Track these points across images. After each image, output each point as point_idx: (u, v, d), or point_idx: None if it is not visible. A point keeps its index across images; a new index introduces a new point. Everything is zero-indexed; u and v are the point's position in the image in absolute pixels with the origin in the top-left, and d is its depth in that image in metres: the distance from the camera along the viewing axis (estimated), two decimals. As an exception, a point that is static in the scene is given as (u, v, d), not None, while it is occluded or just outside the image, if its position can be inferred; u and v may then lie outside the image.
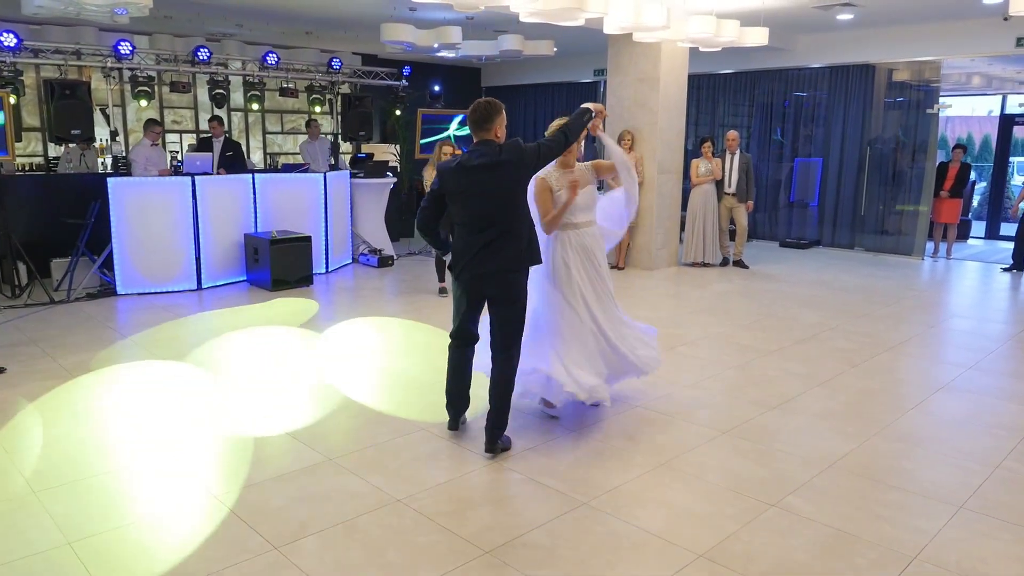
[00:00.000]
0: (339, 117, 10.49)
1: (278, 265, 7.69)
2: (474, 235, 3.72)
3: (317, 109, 10.18)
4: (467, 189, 3.71)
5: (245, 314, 6.78)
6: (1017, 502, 3.40)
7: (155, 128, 8.40)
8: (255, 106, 9.73)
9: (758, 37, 8.09)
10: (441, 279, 7.77)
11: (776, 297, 7.76)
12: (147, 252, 7.41)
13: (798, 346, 5.92)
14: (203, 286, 7.72)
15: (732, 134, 9.40)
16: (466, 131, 9.74)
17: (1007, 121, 12.36)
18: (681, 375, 5.16)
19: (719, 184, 9.42)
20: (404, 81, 10.40)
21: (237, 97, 10.54)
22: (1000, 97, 12.75)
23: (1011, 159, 12.94)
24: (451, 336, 4.05)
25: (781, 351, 5.78)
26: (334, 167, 8.88)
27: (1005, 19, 8.93)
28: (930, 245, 10.62)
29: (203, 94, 10.97)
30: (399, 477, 3.58)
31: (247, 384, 4.90)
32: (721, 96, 12.35)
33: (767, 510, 3.30)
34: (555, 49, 10.21)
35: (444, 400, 4.13)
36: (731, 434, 4.15)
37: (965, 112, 16.94)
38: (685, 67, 9.29)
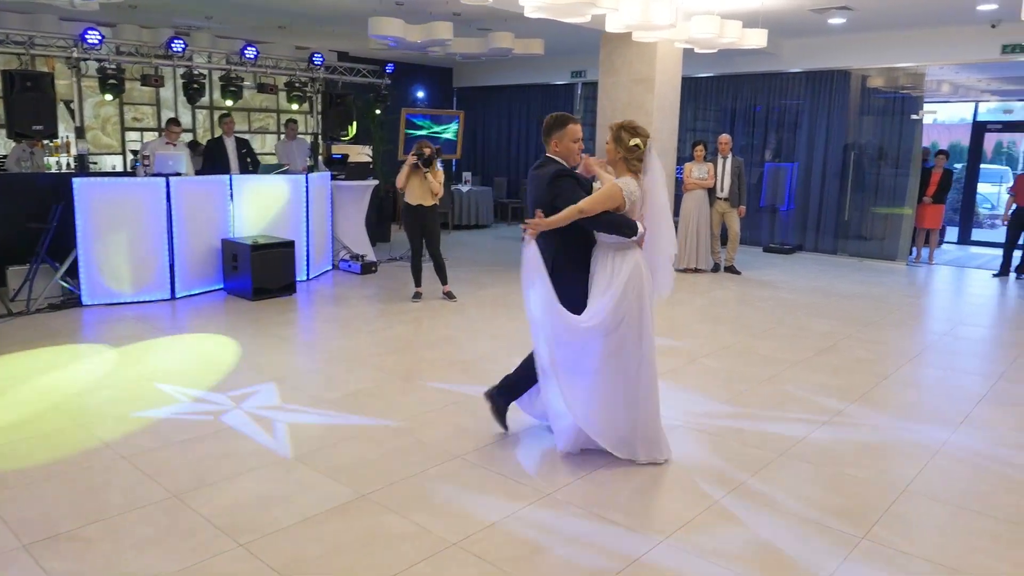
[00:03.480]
0: (319, 116, 9.98)
1: (260, 272, 7.17)
2: None
3: (295, 107, 9.65)
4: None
5: (232, 325, 6.27)
6: (1110, 527, 3.21)
7: (174, 128, 7.87)
8: (230, 102, 9.15)
9: (758, 39, 7.94)
10: (417, 284, 7.41)
11: (778, 304, 7.59)
12: (116, 259, 6.81)
13: (821, 357, 5.71)
14: (177, 295, 7.15)
15: (724, 137, 9.23)
16: (442, 130, 9.35)
17: (979, 128, 12.54)
18: (713, 389, 4.89)
19: (711, 189, 9.24)
20: (387, 79, 9.96)
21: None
22: (972, 104, 12.94)
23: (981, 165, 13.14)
24: None
25: (806, 362, 5.56)
26: (313, 168, 8.40)
27: (993, 26, 9.00)
28: (912, 250, 10.65)
29: (167, 91, 10.33)
30: (446, 515, 3.20)
31: (250, 415, 4.43)
32: (703, 100, 12.21)
33: (859, 543, 3.03)
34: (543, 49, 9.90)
35: (472, 423, 3.78)
36: (790, 455, 3.88)
37: (938, 118, 17.24)
38: (679, 68, 9.10)
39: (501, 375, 5.03)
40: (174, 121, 8.05)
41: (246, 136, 10.28)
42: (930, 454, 3.94)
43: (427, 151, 7.12)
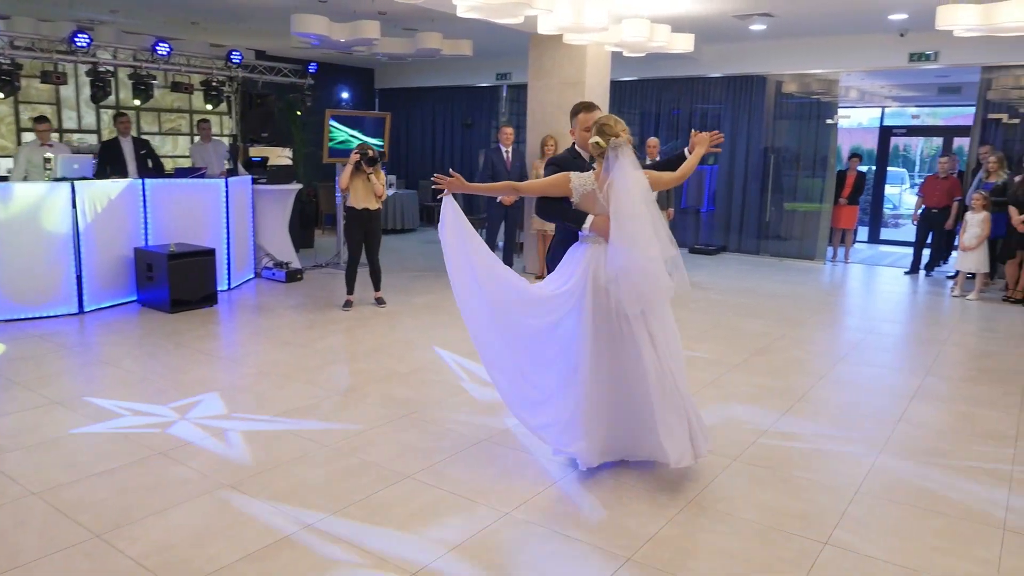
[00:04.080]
0: (238, 116, 9.48)
1: (178, 283, 6.73)
2: None
3: (211, 107, 9.14)
4: None
5: (149, 340, 5.84)
6: (1051, 520, 3.31)
7: (40, 127, 7.25)
8: (139, 101, 8.58)
9: (685, 43, 8.03)
10: (349, 291, 7.15)
11: (711, 306, 7.68)
12: (16, 271, 6.24)
13: (758, 358, 5.78)
14: (85, 309, 6.63)
15: (653, 141, 9.31)
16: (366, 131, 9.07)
17: (885, 132, 13.15)
18: (660, 395, 4.85)
19: (641, 191, 9.28)
20: (310, 79, 9.58)
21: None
22: (879, 109, 13.56)
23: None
24: None
25: (746, 364, 5.61)
26: (233, 172, 7.97)
27: (902, 35, 9.42)
28: (829, 250, 11.05)
29: (68, 89, 9.65)
30: (402, 542, 3.00)
31: (174, 440, 4.09)
32: (627, 103, 12.33)
33: (822, 550, 3.01)
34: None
35: (418, 440, 3.57)
36: (742, 460, 3.86)
37: (845, 124, 18.01)
38: (608, 71, 9.12)
39: (443, 387, 4.90)
40: (41, 119, 7.41)
41: (154, 137, 9.72)
42: (875, 453, 4.01)
43: (370, 152, 6.87)
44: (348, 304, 7.12)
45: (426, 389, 4.89)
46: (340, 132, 8.77)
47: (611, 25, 7.26)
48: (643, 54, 8.49)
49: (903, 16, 8.42)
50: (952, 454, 4.02)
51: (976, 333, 6.83)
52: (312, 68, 9.38)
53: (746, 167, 11.35)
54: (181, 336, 6.01)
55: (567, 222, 3.68)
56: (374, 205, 6.98)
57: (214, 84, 8.73)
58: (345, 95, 8.38)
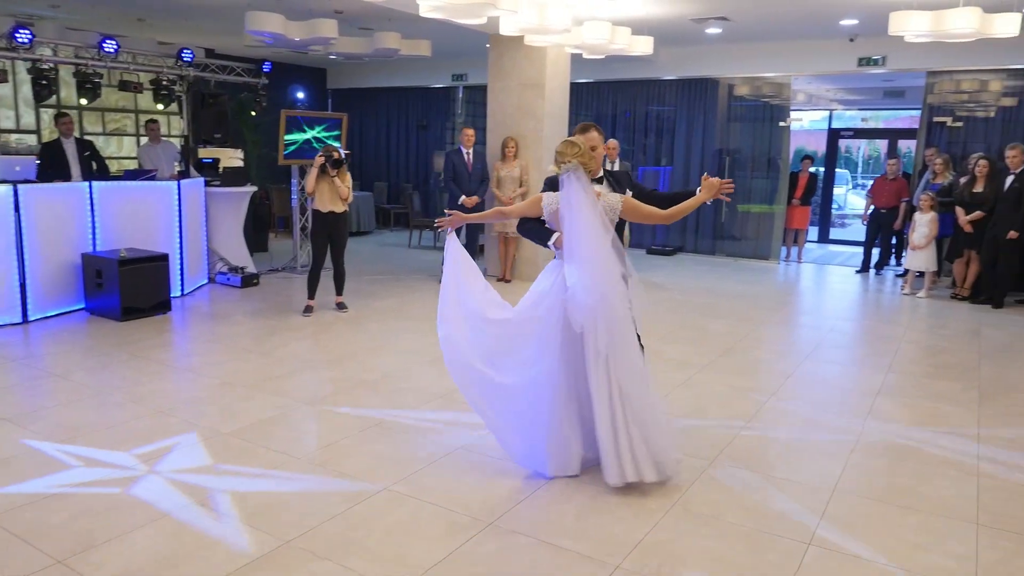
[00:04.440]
0: (190, 117, 9.15)
1: (129, 290, 6.46)
2: None
3: (162, 107, 8.81)
4: None
5: (100, 350, 5.58)
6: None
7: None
8: (84, 101, 8.21)
9: (644, 46, 8.09)
10: (311, 296, 6.98)
11: (675, 306, 7.73)
12: (-47, 279, 5.92)
13: (727, 359, 5.83)
14: (30, 318, 6.31)
15: (613, 142, 9.33)
16: (324, 132, 8.89)
17: (834, 134, 13.49)
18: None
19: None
20: (264, 79, 9.32)
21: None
22: (827, 112, 13.90)
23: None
24: None
25: (714, 364, 5.65)
26: (184, 174, 7.70)
27: (851, 40, 9.65)
28: (783, 250, 11.26)
29: (6, 88, 9.20)
30: (383, 558, 2.90)
31: (139, 458, 3.91)
32: (583, 105, 12.36)
33: (807, 550, 3.02)
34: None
35: (392, 450, 3.61)
36: (720, 462, 3.87)
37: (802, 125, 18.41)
38: (568, 73, 9.12)
39: (413, 394, 4.80)
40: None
41: (97, 138, 9.35)
42: (847, 450, 4.06)
43: (336, 154, 6.71)
44: (309, 309, 6.94)
45: (396, 397, 4.78)
46: (298, 133, 8.56)
47: (572, 27, 7.26)
48: (602, 56, 8.52)
49: (854, 22, 8.63)
50: (920, 450, 4.10)
51: (929, 330, 7.03)
52: (266, 67, 9.14)
53: (702, 168, 11.47)
54: (135, 346, 5.76)
55: (533, 238, 3.79)
56: (340, 208, 6.83)
57: (164, 83, 8.42)
58: (301, 95, 8.14)
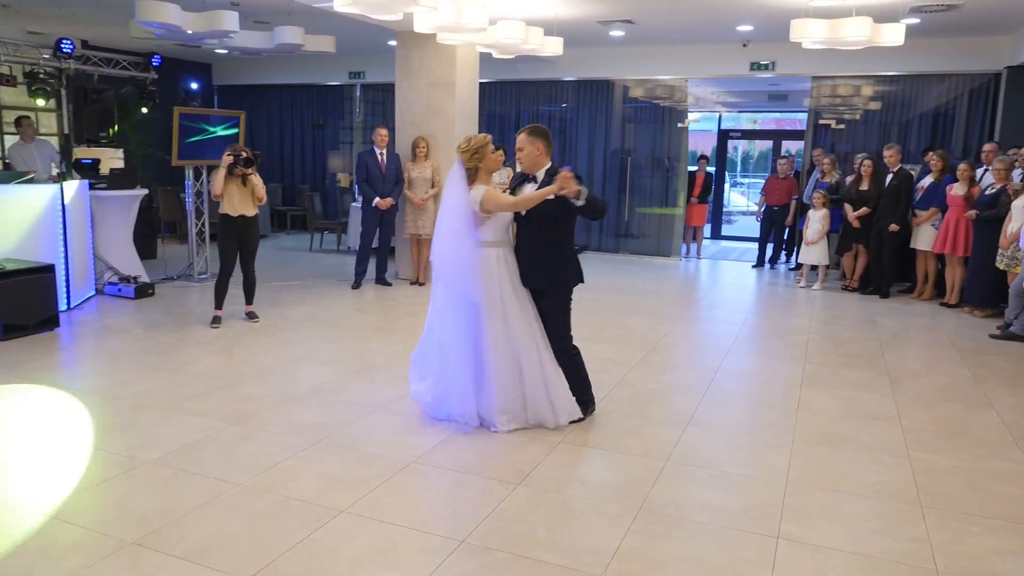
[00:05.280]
0: (70, 114, 8.32)
1: (10, 305, 5.82)
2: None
3: (42, 102, 7.99)
4: None
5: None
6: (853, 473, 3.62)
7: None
8: (-56, 95, 7.32)
9: (555, 47, 8.12)
10: (218, 306, 6.56)
11: (592, 305, 7.80)
12: None
13: (656, 356, 5.93)
14: None
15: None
16: (230, 132, 8.38)
17: (723, 136, 14.11)
18: (575, 400, 4.81)
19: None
20: (153, 73, 8.62)
21: None
22: (716, 114, 14.52)
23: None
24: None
25: (645, 363, 5.73)
26: (64, 176, 7.01)
27: (744, 45, 10.10)
28: (683, 247, 11.66)
29: None
30: (359, 587, 2.72)
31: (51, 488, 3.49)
32: (485, 105, 12.30)
33: (777, 544, 3.08)
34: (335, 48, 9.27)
35: (341, 469, 3.57)
36: (674, 460, 3.90)
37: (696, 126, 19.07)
38: (477, 72, 9.02)
39: (348, 407, 4.59)
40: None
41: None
42: (788, 441, 4.20)
43: (245, 152, 6.29)
44: (217, 320, 6.51)
45: (331, 411, 4.53)
46: (197, 131, 8.01)
47: (488, 26, 7.18)
48: (512, 56, 8.48)
49: (749, 28, 9.03)
50: (852, 437, 4.30)
51: (830, 321, 7.44)
52: (156, 61, 8.47)
53: (604, 168, 11.72)
54: (22, 368, 5.18)
55: None
56: (251, 211, 6.44)
57: (41, 76, 7.64)
58: (194, 86, 7.55)
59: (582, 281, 4.46)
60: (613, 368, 5.53)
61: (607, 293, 8.56)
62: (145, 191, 8.10)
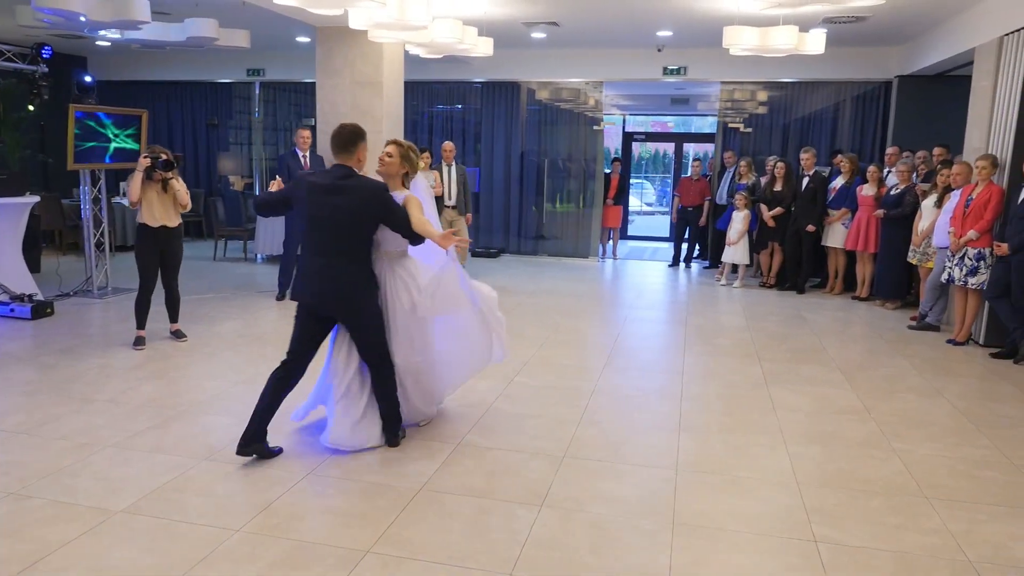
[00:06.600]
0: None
1: None
2: (314, 256, 3.80)
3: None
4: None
5: None
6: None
7: None
8: None
9: (486, 47, 7.97)
10: (140, 326, 5.94)
11: (533, 310, 7.72)
12: None
13: (618, 360, 5.91)
14: None
15: (449, 145, 9.10)
16: (122, 132, 7.64)
17: (627, 138, 14.43)
18: (557, 410, 4.69)
19: (439, 197, 9.04)
20: (43, 66, 7.67)
21: None
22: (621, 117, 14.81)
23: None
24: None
25: (610, 367, 5.69)
26: (-62, 183, 6.14)
27: (659, 50, 10.34)
28: (600, 248, 11.80)
29: None
30: None
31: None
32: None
33: (818, 547, 3.09)
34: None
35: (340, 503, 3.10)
36: (683, 469, 3.86)
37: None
38: (402, 71, 8.71)
39: (320, 431, 4.28)
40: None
41: None
42: (782, 443, 4.27)
43: (164, 154, 5.70)
44: (140, 341, 5.89)
45: (307, 437, 4.18)
46: (98, 131, 7.22)
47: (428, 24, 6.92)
48: (440, 56, 8.25)
49: (668, 33, 9.23)
50: (837, 433, 4.43)
51: (763, 318, 7.69)
52: (46, 52, 7.54)
53: (521, 171, 11.66)
54: None
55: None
56: (174, 221, 5.87)
57: (-91, 68, 6.63)
58: (88, 79, 6.72)
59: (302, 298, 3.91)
60: (583, 374, 5.46)
61: (541, 296, 8.51)
62: (36, 199, 7.23)
